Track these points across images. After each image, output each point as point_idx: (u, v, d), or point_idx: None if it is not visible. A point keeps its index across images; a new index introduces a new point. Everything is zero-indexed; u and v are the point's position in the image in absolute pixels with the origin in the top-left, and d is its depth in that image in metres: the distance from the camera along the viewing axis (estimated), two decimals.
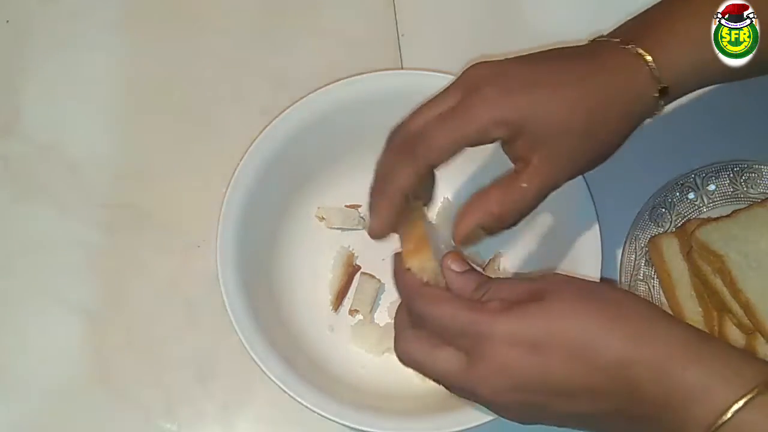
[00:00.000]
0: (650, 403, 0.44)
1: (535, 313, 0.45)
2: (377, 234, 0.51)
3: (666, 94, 0.51)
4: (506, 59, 0.52)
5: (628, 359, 0.43)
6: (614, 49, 0.52)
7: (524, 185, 0.50)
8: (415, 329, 0.49)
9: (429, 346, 0.48)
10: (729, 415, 0.42)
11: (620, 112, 0.51)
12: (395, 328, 0.50)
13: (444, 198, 0.69)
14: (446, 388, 0.49)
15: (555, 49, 0.53)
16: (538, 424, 0.48)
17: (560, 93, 0.49)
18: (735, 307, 0.63)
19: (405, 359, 0.49)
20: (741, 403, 0.42)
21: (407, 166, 0.50)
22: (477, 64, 0.51)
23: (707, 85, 0.54)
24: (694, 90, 0.54)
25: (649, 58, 0.51)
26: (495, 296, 0.47)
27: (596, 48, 0.53)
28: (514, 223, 0.51)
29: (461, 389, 0.48)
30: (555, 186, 0.51)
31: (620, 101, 0.51)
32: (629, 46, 0.51)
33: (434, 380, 0.49)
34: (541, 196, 0.51)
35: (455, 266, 0.49)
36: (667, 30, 0.52)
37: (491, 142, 0.50)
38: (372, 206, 0.51)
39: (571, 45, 0.54)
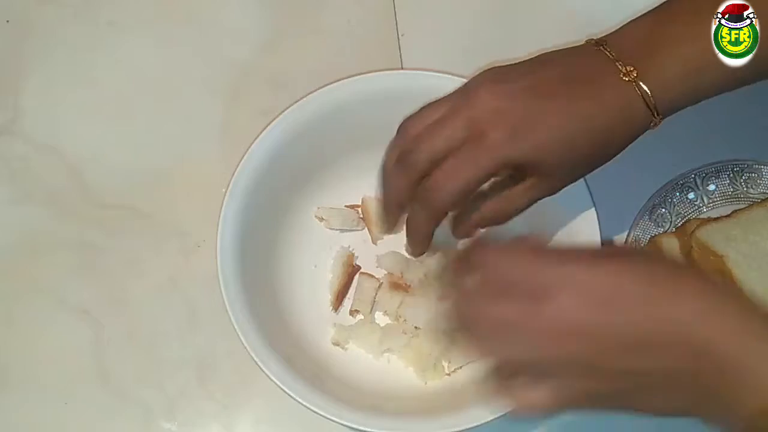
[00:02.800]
0: (718, 364, 0.43)
1: (615, 262, 0.45)
2: (417, 256, 0.59)
3: (661, 120, 0.54)
4: (509, 81, 0.52)
5: (702, 319, 0.43)
6: (616, 81, 0.52)
7: (520, 200, 0.55)
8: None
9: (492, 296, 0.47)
10: None
11: (618, 143, 0.54)
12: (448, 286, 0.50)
13: None
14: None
15: (555, 66, 0.53)
16: (592, 406, 0.47)
17: (562, 132, 0.52)
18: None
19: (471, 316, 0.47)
20: None
21: (424, 216, 0.54)
22: (481, 89, 0.52)
23: (701, 101, 0.55)
24: (688, 106, 0.55)
25: (649, 93, 0.52)
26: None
27: (598, 75, 0.53)
28: (510, 219, 0.57)
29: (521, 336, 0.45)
30: (548, 195, 0.55)
31: (619, 134, 0.53)
32: (630, 78, 0.52)
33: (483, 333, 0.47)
34: (533, 203, 0.55)
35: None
36: (668, 56, 0.53)
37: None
38: (409, 234, 0.56)
39: (569, 51, 0.55)
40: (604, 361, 0.44)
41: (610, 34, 0.55)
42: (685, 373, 0.44)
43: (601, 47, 0.54)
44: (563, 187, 0.55)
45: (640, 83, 0.52)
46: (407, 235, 0.57)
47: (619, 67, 0.52)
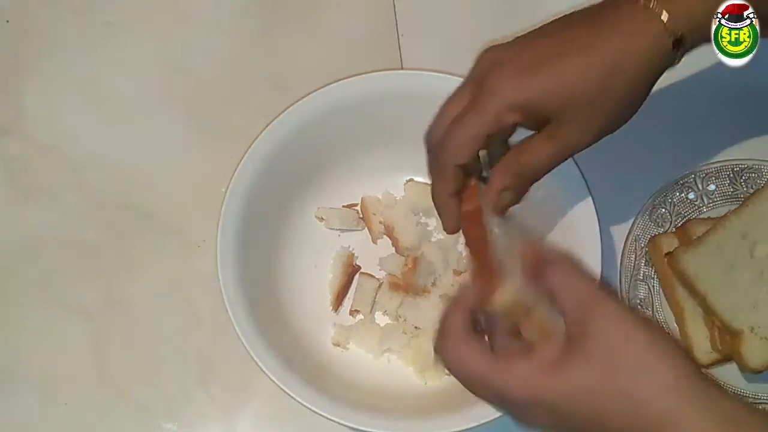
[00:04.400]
0: None
1: (559, 382, 0.43)
2: (451, 232, 0.54)
3: (681, 45, 0.50)
4: (515, 40, 0.52)
5: (675, 419, 0.42)
6: (624, 5, 0.50)
7: (545, 148, 0.51)
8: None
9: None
10: None
11: (634, 70, 0.50)
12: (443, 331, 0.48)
13: None
14: None
15: (564, 16, 0.53)
16: None
17: (566, 66, 0.49)
18: (717, 310, 0.63)
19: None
20: None
21: (438, 177, 0.52)
22: (487, 49, 0.52)
23: None
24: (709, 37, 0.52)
25: (661, 11, 0.49)
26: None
27: (604, 7, 0.51)
28: (538, 178, 0.53)
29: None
30: (574, 150, 0.52)
31: (633, 59, 0.50)
32: (641, 0, 0.50)
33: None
34: (562, 158, 0.52)
35: None
36: None
37: (512, 129, 0.51)
38: (436, 209, 0.54)
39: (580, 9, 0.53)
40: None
41: None
42: None
43: None
44: (585, 141, 0.51)
45: (655, 8, 0.49)
46: (436, 209, 0.54)
47: (641, 2, 0.50)
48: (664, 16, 0.49)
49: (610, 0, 0.52)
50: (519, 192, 0.53)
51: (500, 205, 0.52)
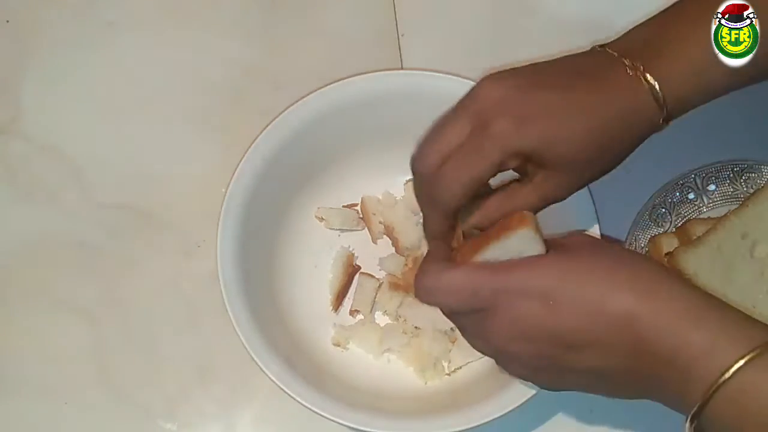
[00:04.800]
0: (655, 359, 0.45)
1: (547, 265, 0.47)
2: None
3: (670, 118, 0.53)
4: (515, 78, 0.52)
5: (635, 314, 0.45)
6: (624, 76, 0.51)
7: (523, 199, 0.52)
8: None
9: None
10: (730, 373, 0.43)
11: (627, 140, 0.53)
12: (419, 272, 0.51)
13: None
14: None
15: (563, 64, 0.53)
16: (551, 389, 0.51)
17: (570, 124, 0.50)
18: None
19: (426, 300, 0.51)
20: (742, 362, 0.43)
21: (432, 216, 0.53)
22: (487, 82, 0.51)
23: (711, 100, 0.54)
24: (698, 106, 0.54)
25: (657, 87, 0.51)
26: None
27: (605, 71, 0.52)
28: None
29: (476, 340, 0.51)
30: (554, 201, 0.53)
31: (627, 129, 0.52)
32: (638, 73, 0.51)
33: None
34: (539, 209, 0.53)
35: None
36: (674, 53, 0.52)
37: (505, 170, 0.52)
38: (427, 242, 0.55)
39: (575, 54, 0.54)
40: (543, 360, 0.48)
41: (616, 39, 0.54)
42: (631, 369, 0.46)
43: (607, 48, 0.53)
44: (570, 190, 0.53)
45: (647, 75, 0.51)
46: (426, 239, 0.55)
47: (626, 62, 0.52)
48: (659, 94, 0.51)
49: (605, 62, 0.53)
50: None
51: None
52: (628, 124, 0.52)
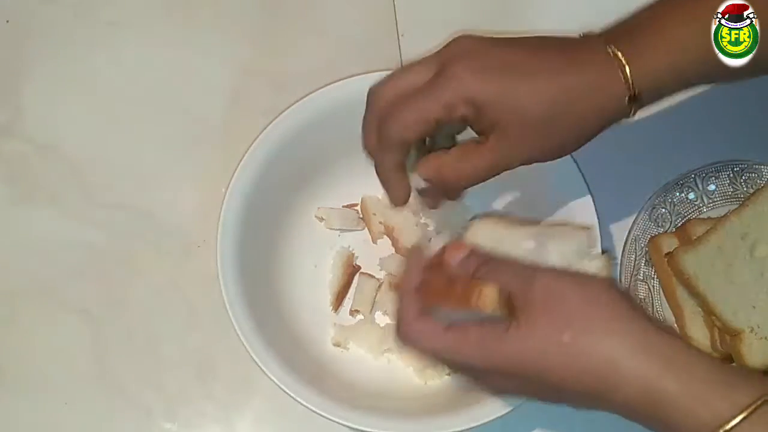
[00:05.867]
0: (639, 415, 0.46)
1: (508, 347, 0.47)
2: (399, 204, 0.56)
3: (636, 100, 0.51)
4: (489, 37, 0.52)
5: (600, 386, 0.46)
6: (595, 47, 0.51)
7: (477, 160, 0.52)
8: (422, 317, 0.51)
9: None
10: (730, 426, 0.43)
11: (586, 110, 0.51)
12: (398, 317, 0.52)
13: None
14: None
15: (540, 36, 0.53)
16: None
17: (530, 82, 0.50)
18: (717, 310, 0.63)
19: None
20: (740, 417, 0.43)
21: (383, 150, 0.53)
22: (460, 36, 0.52)
23: (686, 89, 0.54)
24: (671, 94, 0.53)
25: (624, 62, 0.50)
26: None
27: (578, 43, 0.53)
28: (459, 191, 0.55)
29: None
30: (507, 167, 0.53)
31: (588, 100, 0.51)
32: (609, 47, 0.51)
33: None
34: (492, 174, 0.53)
35: (455, 254, 0.51)
36: (652, 34, 0.52)
37: (459, 121, 0.51)
38: (381, 182, 0.55)
39: (560, 36, 0.54)
40: (536, 397, 0.50)
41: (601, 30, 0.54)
42: (617, 410, 0.47)
43: (591, 33, 0.53)
44: (522, 157, 0.52)
45: (618, 53, 0.50)
46: (381, 182, 0.55)
47: (601, 41, 0.52)
48: (627, 71, 0.50)
49: (585, 39, 0.53)
50: (439, 193, 0.55)
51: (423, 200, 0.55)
52: (590, 95, 0.51)
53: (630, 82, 0.50)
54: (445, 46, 0.52)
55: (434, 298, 0.50)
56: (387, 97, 0.52)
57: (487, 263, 0.50)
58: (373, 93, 0.54)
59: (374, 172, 0.59)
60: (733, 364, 0.64)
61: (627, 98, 0.51)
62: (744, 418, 0.43)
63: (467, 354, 0.48)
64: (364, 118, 0.54)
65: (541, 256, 0.53)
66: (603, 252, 0.60)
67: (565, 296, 0.47)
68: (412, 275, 0.52)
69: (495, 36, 0.53)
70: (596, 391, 0.46)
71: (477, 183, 0.53)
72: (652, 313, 0.67)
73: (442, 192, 0.56)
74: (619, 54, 0.50)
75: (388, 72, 0.55)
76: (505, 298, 0.48)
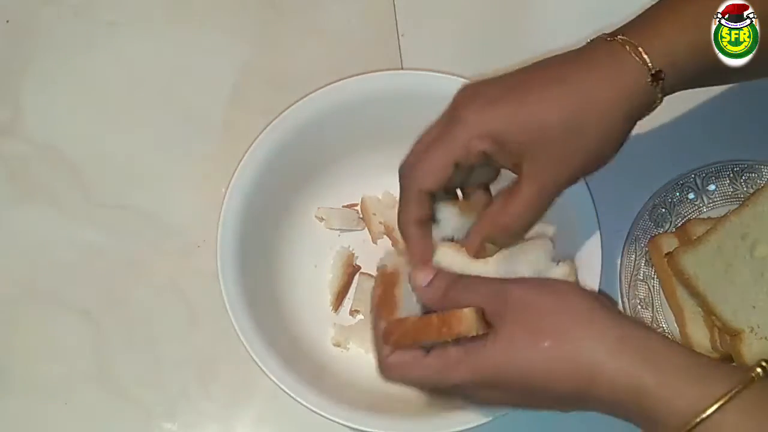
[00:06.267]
0: (621, 410, 0.47)
1: (489, 357, 0.48)
2: (417, 262, 0.53)
3: (661, 78, 0.49)
4: (492, 77, 0.52)
5: (582, 386, 0.46)
6: (604, 46, 0.50)
7: (523, 193, 0.50)
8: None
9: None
10: (705, 415, 0.44)
11: (610, 107, 0.48)
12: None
13: None
14: None
15: (544, 59, 0.52)
16: None
17: (539, 94, 0.49)
18: (717, 310, 0.63)
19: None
20: (715, 406, 0.44)
21: (404, 203, 0.53)
22: (463, 87, 0.52)
23: (711, 70, 0.51)
24: (697, 76, 0.51)
25: (636, 45, 0.49)
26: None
27: (587, 49, 0.51)
28: (523, 231, 0.51)
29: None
30: (554, 190, 0.50)
31: (606, 96, 0.48)
32: (618, 38, 0.50)
33: None
34: (543, 202, 0.50)
35: (421, 279, 0.52)
36: (662, 17, 0.51)
37: (482, 159, 0.50)
38: (402, 237, 0.54)
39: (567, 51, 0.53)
40: (523, 405, 0.51)
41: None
42: (601, 407, 0.48)
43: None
44: (561, 176, 0.50)
45: (627, 38, 0.49)
46: (402, 237, 0.54)
47: (608, 38, 0.50)
48: (641, 50, 0.49)
49: (589, 43, 0.52)
50: (501, 244, 0.52)
51: (482, 256, 0.52)
52: (612, 90, 0.48)
53: (646, 61, 0.48)
54: (450, 103, 0.52)
55: (410, 337, 0.51)
56: (409, 161, 0.52)
57: (456, 283, 0.51)
58: (401, 170, 0.53)
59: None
60: (733, 364, 0.64)
61: (649, 78, 0.48)
62: (719, 408, 0.43)
63: (452, 373, 0.49)
64: (399, 200, 0.53)
65: (510, 271, 0.53)
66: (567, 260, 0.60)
67: (538, 305, 0.48)
68: (378, 324, 0.52)
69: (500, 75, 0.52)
70: (579, 391, 0.47)
71: (532, 220, 0.51)
72: (652, 313, 0.67)
73: (499, 245, 0.53)
74: (630, 39, 0.49)
75: (388, 71, 0.55)
76: (481, 316, 0.49)
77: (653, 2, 0.53)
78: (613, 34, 0.51)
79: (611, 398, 0.46)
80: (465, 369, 0.48)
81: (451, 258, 0.53)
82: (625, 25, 0.52)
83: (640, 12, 0.54)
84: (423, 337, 0.50)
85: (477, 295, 0.49)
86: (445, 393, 0.52)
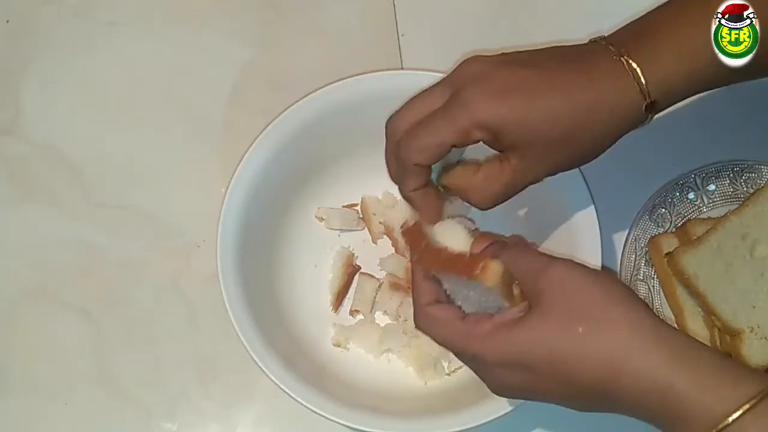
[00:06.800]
0: (645, 408, 0.46)
1: (520, 336, 0.47)
2: (433, 222, 0.54)
3: (653, 108, 0.52)
4: (498, 57, 0.52)
5: (610, 376, 0.46)
6: (606, 59, 0.51)
7: (503, 179, 0.52)
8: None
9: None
10: (730, 420, 0.43)
11: (605, 123, 0.51)
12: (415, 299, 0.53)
13: None
14: None
15: (549, 48, 0.53)
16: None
17: (542, 101, 0.50)
18: (717, 310, 0.63)
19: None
20: (742, 410, 0.43)
21: (403, 175, 0.53)
22: (469, 59, 0.52)
23: (697, 93, 0.54)
24: (683, 99, 0.54)
25: (639, 72, 0.51)
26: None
27: (589, 55, 0.52)
28: (487, 208, 0.54)
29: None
30: (532, 182, 0.53)
31: (605, 113, 0.51)
32: (622, 58, 0.51)
33: None
34: (517, 190, 0.53)
35: (476, 248, 0.52)
36: (662, 40, 0.52)
37: (473, 143, 0.51)
38: (409, 203, 0.55)
39: (567, 45, 0.54)
40: (540, 393, 0.50)
41: (609, 35, 0.54)
42: (623, 404, 0.47)
43: (597, 39, 0.53)
44: (546, 171, 0.53)
45: (631, 62, 0.51)
46: (409, 203, 0.55)
47: (611, 49, 0.51)
48: (643, 80, 0.51)
49: (593, 47, 0.53)
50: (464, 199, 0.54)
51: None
52: (607, 108, 0.51)
53: (646, 91, 0.51)
54: (455, 70, 0.52)
55: (438, 265, 0.51)
56: (403, 125, 0.52)
57: (504, 247, 0.51)
58: (389, 123, 0.54)
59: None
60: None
61: (644, 107, 0.51)
62: (751, 407, 0.43)
63: (477, 344, 0.48)
64: (385, 148, 0.54)
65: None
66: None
67: (581, 288, 0.48)
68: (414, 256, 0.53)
69: (503, 53, 0.53)
70: (606, 381, 0.46)
71: (505, 201, 0.53)
72: None
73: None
74: (633, 63, 0.51)
75: (388, 71, 0.55)
76: (510, 282, 0.49)
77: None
78: (618, 50, 0.51)
79: (636, 393, 0.45)
80: (492, 343, 0.48)
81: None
82: (627, 37, 0.53)
83: (641, 15, 0.54)
84: (449, 268, 0.50)
85: (518, 266, 0.49)
86: (465, 359, 0.51)
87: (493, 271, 0.48)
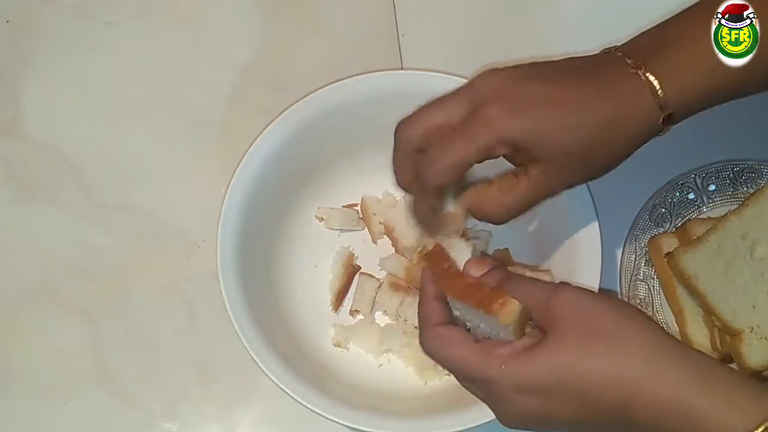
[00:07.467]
0: (659, 429, 0.45)
1: (539, 360, 0.47)
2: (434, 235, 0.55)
3: (671, 120, 0.52)
4: (515, 70, 0.52)
5: (629, 396, 0.45)
6: (624, 72, 0.51)
7: (520, 192, 0.52)
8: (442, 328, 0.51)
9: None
10: (759, 431, 0.42)
11: (623, 136, 0.52)
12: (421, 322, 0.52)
13: None
14: None
15: (565, 61, 0.53)
16: None
17: (564, 116, 0.50)
18: (717, 310, 0.63)
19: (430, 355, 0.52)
20: (763, 427, 0.42)
21: (423, 193, 0.53)
22: (486, 72, 0.52)
23: (715, 105, 0.54)
24: (701, 111, 0.54)
25: (657, 86, 0.51)
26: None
27: (606, 67, 0.52)
28: (503, 222, 0.54)
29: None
30: (550, 195, 0.53)
31: (624, 126, 0.51)
32: (639, 71, 0.51)
33: None
34: (535, 204, 0.53)
35: (474, 271, 0.52)
36: (679, 52, 0.52)
37: (494, 159, 0.51)
38: (417, 220, 0.55)
39: (581, 56, 0.54)
40: (551, 420, 0.48)
41: (624, 42, 0.54)
42: (645, 428, 0.46)
43: (612, 50, 0.53)
44: (564, 185, 0.53)
45: (648, 75, 0.51)
46: (417, 220, 0.55)
47: (628, 61, 0.51)
48: (660, 94, 0.51)
49: (610, 59, 0.53)
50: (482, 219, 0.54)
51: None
52: (626, 121, 0.51)
53: (664, 104, 0.51)
54: (472, 83, 0.52)
55: (456, 292, 0.50)
56: (416, 133, 0.52)
57: (510, 278, 0.50)
58: (401, 129, 0.53)
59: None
60: (733, 364, 0.64)
61: (661, 119, 0.51)
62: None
63: (494, 365, 0.47)
64: (394, 154, 0.54)
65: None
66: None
67: (593, 311, 0.47)
68: (429, 276, 0.52)
69: (518, 66, 0.52)
70: (624, 401, 0.45)
71: (519, 214, 0.53)
72: (652, 313, 0.67)
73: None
74: (651, 77, 0.51)
75: (388, 71, 0.55)
76: (525, 321, 0.49)
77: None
78: (636, 62, 0.51)
79: (655, 412, 0.45)
80: (510, 367, 0.47)
81: None
82: (644, 48, 0.52)
83: (655, 24, 0.54)
84: (467, 297, 0.50)
85: (528, 298, 0.49)
86: (475, 385, 0.50)
87: (512, 309, 0.48)
